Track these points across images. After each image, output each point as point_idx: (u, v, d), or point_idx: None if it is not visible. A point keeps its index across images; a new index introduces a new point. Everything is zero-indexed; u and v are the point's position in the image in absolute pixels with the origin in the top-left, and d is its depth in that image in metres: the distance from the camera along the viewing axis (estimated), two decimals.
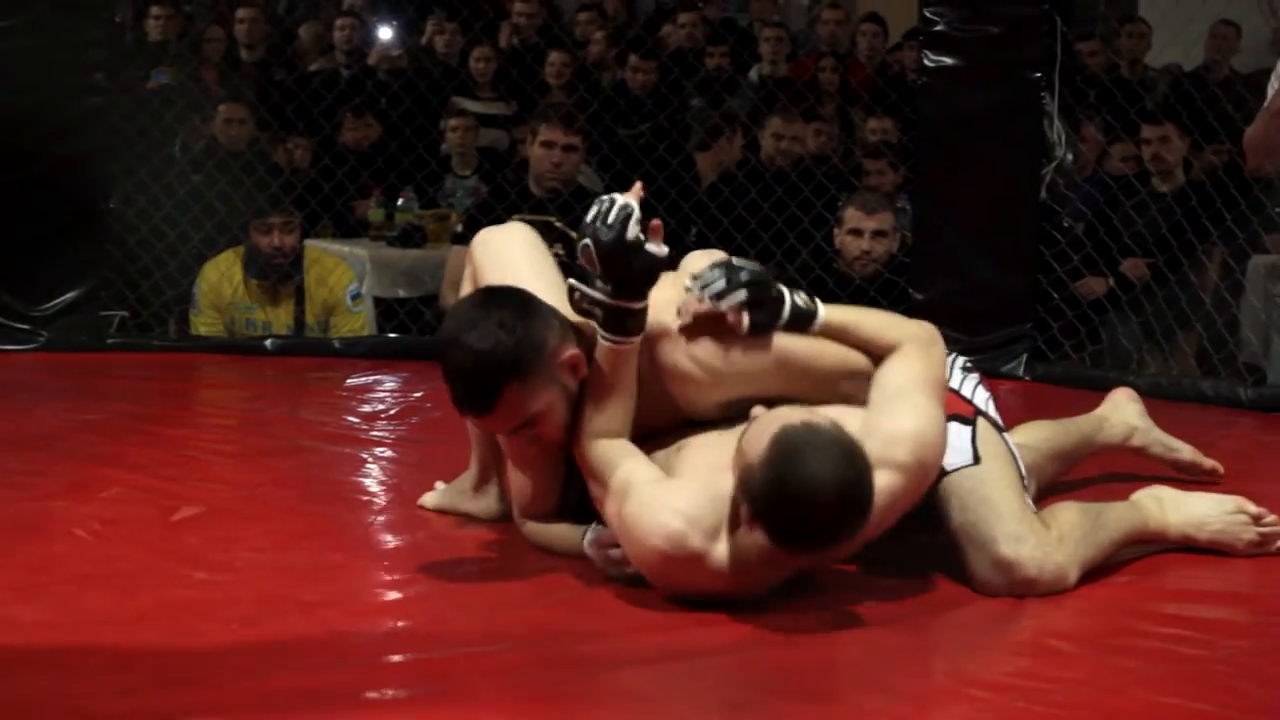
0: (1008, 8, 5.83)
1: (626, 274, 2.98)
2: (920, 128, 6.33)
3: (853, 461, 2.76)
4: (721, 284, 3.08)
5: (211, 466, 4.25)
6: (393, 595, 3.11)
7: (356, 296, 6.65)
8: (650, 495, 2.95)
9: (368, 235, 7.61)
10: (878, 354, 3.14)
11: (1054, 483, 3.80)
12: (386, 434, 4.73)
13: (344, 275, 6.67)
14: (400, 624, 2.93)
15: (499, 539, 3.48)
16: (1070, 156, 6.04)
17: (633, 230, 2.96)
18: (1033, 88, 5.88)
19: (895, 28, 9.26)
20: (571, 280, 3.06)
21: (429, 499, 3.76)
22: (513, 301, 3.04)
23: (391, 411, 5.11)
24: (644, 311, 3.04)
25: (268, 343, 6.28)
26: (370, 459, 4.39)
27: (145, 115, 7.20)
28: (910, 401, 3.03)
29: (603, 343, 3.05)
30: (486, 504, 3.62)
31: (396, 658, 2.72)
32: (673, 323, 3.12)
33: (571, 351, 3.05)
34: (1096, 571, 3.19)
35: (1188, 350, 6.28)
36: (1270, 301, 5.71)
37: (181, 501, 3.73)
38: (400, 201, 7.65)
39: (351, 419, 4.95)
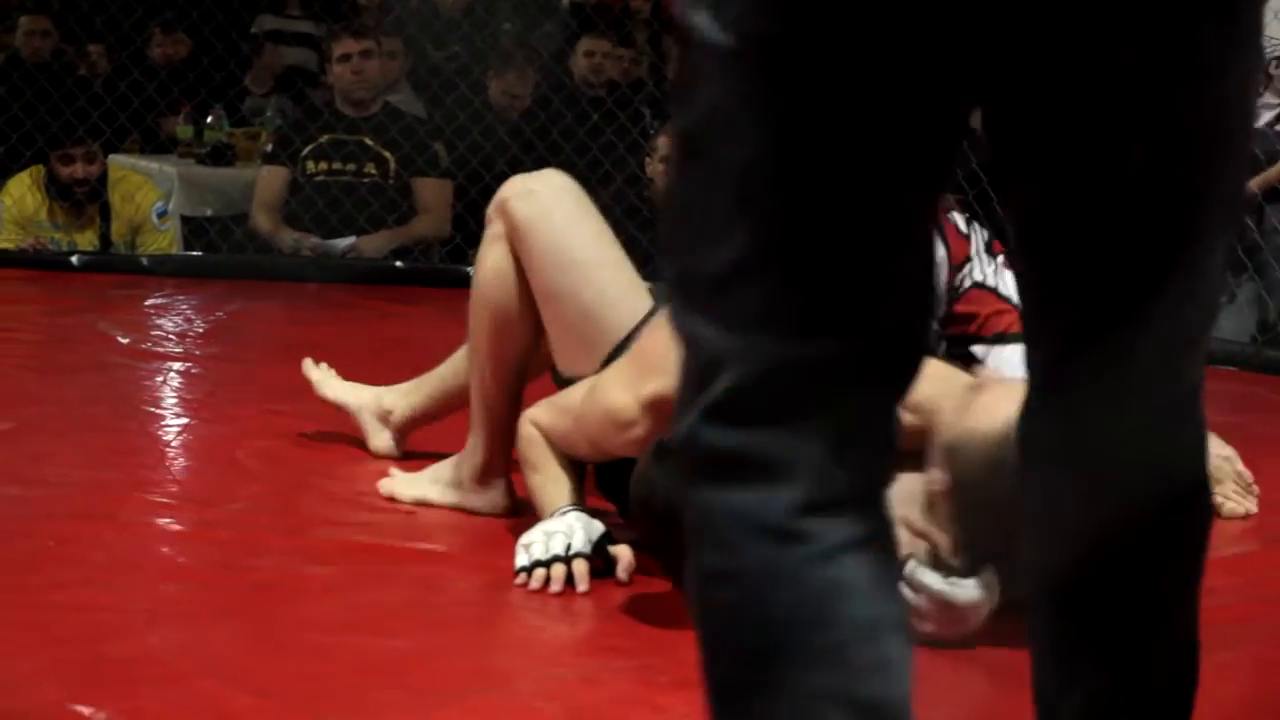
0: None
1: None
2: None
3: None
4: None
5: (20, 382, 4.20)
6: (210, 512, 3.10)
7: (163, 214, 6.56)
8: None
9: (176, 152, 7.49)
10: None
11: None
12: (195, 350, 4.70)
13: (150, 193, 6.58)
14: (216, 540, 2.92)
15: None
16: None
17: None
18: None
19: None
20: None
21: (404, 491, 3.24)
22: None
23: (200, 329, 5.08)
24: None
25: (74, 259, 6.18)
26: (180, 375, 4.37)
27: None
28: None
29: None
30: (493, 499, 3.20)
31: (209, 574, 2.73)
32: None
33: None
34: None
35: None
36: None
37: None
38: (210, 119, 7.54)
39: (160, 335, 4.91)
